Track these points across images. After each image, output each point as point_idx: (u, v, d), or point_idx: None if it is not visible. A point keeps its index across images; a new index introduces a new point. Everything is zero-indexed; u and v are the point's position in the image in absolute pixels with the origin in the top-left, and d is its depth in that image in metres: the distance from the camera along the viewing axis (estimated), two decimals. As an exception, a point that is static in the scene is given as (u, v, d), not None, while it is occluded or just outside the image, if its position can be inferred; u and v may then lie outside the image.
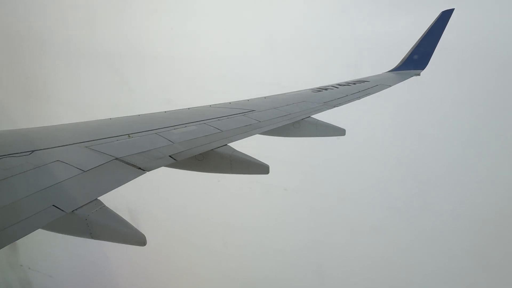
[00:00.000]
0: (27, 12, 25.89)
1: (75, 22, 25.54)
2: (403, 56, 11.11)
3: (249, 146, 4.44)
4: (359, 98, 7.23)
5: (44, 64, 25.71)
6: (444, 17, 10.35)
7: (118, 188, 2.78)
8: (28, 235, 2.11)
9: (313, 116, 5.72)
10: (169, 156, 3.44)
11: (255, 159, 4.10)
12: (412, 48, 10.90)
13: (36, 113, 24.90)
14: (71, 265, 19.67)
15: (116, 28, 24.22)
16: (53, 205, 2.32)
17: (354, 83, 8.45)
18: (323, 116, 5.83)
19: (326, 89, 7.56)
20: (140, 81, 23.73)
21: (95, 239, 2.54)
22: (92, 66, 24.76)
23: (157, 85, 23.19)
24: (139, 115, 4.59)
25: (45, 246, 19.06)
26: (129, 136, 3.64)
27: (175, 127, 4.15)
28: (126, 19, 24.29)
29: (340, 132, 5.68)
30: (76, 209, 2.40)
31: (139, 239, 2.55)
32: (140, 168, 3.07)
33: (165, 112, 4.90)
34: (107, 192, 2.68)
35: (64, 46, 25.40)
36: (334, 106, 6.41)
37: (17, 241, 2.06)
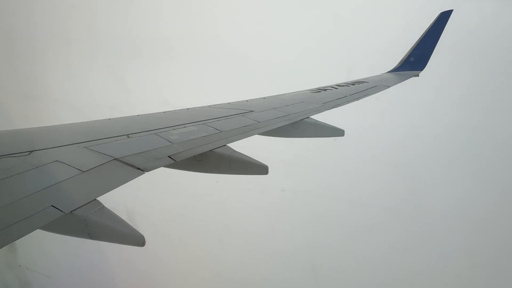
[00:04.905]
0: (25, 13, 25.84)
1: (74, 23, 25.51)
2: (402, 57, 11.13)
3: (248, 146, 4.44)
4: (358, 99, 7.24)
5: (42, 65, 25.66)
6: (443, 18, 10.37)
7: (117, 188, 2.77)
8: (27, 235, 2.10)
9: (312, 116, 5.72)
10: (168, 156, 3.44)
11: (254, 159, 4.10)
12: (411, 49, 10.92)
13: (35, 113, 24.84)
14: (69, 265, 19.62)
15: (114, 29, 24.20)
16: (52, 206, 2.31)
17: (353, 84, 8.46)
18: (322, 117, 5.83)
19: (325, 90, 7.57)
20: (138, 81, 23.70)
21: (94, 239, 2.53)
22: (90, 66, 24.72)
23: (156, 86, 23.16)
24: (138, 115, 4.58)
25: (43, 247, 19.00)
26: (128, 136, 3.64)
27: (174, 127, 4.14)
28: (124, 20, 24.26)
29: (339, 132, 5.68)
30: (74, 210, 2.39)
31: (138, 240, 2.54)
32: (139, 169, 3.06)
33: (164, 112, 4.89)
34: (106, 192, 2.67)
35: (62, 46, 25.37)
36: (333, 107, 6.41)
37: (15, 241, 2.05)
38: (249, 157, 4.09)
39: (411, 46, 10.92)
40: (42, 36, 25.52)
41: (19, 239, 2.06)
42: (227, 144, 4.09)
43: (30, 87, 25.86)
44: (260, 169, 4.07)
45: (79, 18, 25.42)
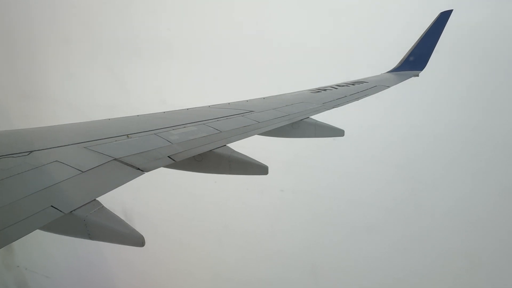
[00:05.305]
0: (25, 13, 25.83)
1: (74, 23, 25.50)
2: (402, 57, 11.12)
3: (248, 146, 4.43)
4: (358, 99, 7.23)
5: (42, 65, 25.65)
6: (443, 18, 10.36)
7: (117, 188, 2.76)
8: (26, 235, 2.10)
9: (312, 116, 5.70)
10: (168, 156, 3.43)
11: (254, 159, 4.09)
12: (411, 48, 10.91)
13: (34, 113, 24.83)
14: (68, 266, 19.60)
15: (114, 29, 24.19)
16: (51, 206, 2.31)
17: (353, 84, 8.45)
18: (322, 117, 5.82)
19: (325, 90, 7.55)
20: (138, 82, 23.69)
21: (93, 240, 2.52)
22: (90, 66, 24.71)
23: (155, 86, 23.16)
24: (137, 115, 4.57)
25: (42, 247, 18.98)
26: (128, 136, 3.63)
27: (174, 127, 4.13)
28: (124, 20, 24.26)
29: (339, 132, 5.66)
30: (74, 210, 2.38)
31: (137, 240, 2.53)
32: (138, 169, 3.05)
33: (163, 112, 4.89)
34: (106, 192, 2.66)
35: (62, 46, 25.36)
36: (333, 107, 6.40)
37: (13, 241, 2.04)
38: (249, 157, 4.08)
39: (411, 46, 10.91)
40: (42, 36, 25.50)
41: (17, 240, 2.05)
42: (227, 144, 4.08)
43: (30, 87, 25.84)
44: (260, 169, 4.06)
45: (79, 18, 25.42)
